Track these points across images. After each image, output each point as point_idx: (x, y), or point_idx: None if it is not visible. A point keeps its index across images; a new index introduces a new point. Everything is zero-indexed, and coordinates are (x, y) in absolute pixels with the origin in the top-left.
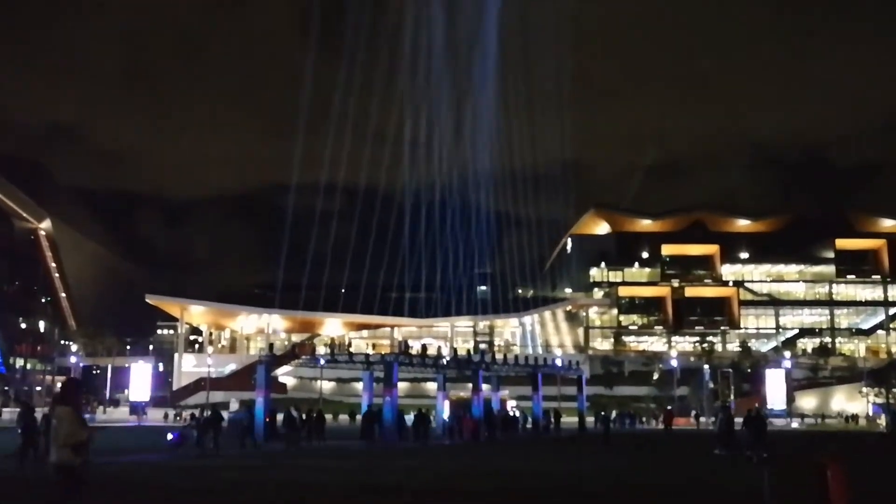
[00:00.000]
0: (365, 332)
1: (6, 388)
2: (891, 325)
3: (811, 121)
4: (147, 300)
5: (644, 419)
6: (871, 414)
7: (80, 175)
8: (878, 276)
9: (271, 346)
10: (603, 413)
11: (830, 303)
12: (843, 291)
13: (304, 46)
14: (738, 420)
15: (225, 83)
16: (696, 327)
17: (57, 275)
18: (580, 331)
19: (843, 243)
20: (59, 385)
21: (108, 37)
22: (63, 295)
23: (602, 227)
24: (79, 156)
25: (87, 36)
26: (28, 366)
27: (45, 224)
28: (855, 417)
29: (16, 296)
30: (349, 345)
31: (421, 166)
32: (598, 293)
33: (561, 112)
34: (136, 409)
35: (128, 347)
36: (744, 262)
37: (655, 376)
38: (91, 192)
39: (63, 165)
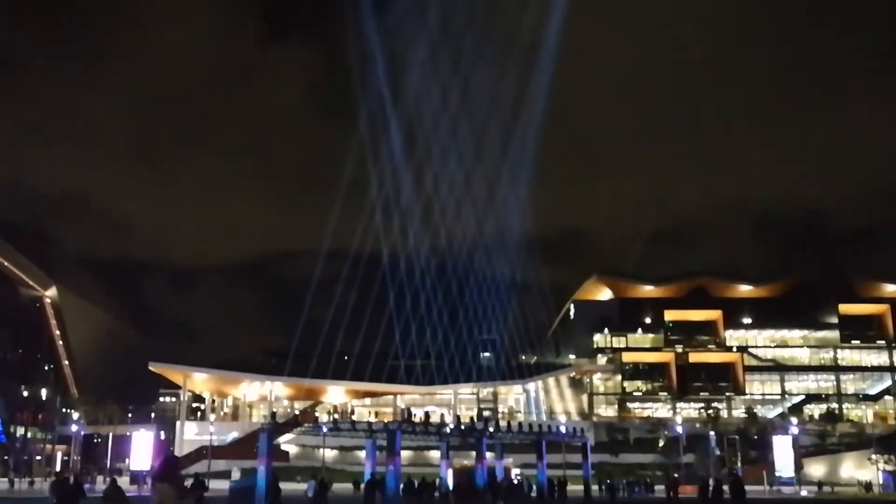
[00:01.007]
0: (368, 400)
1: (6, 457)
2: None
3: (812, 186)
4: (150, 367)
5: (652, 485)
6: (882, 481)
7: (88, 242)
8: (883, 342)
9: (273, 413)
10: (609, 481)
11: (836, 368)
12: (848, 357)
13: (314, 120)
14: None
15: (233, 154)
16: (701, 393)
17: (61, 342)
18: (584, 397)
19: (846, 308)
20: (157, 462)
21: (120, 108)
22: (66, 362)
23: (604, 293)
24: (87, 223)
25: (100, 107)
26: (28, 434)
27: (51, 291)
28: (869, 485)
29: (19, 363)
30: (352, 412)
31: (425, 233)
32: (601, 359)
33: (564, 180)
34: (138, 478)
35: (129, 415)
36: (747, 327)
37: (661, 443)
38: (98, 260)
39: (71, 233)
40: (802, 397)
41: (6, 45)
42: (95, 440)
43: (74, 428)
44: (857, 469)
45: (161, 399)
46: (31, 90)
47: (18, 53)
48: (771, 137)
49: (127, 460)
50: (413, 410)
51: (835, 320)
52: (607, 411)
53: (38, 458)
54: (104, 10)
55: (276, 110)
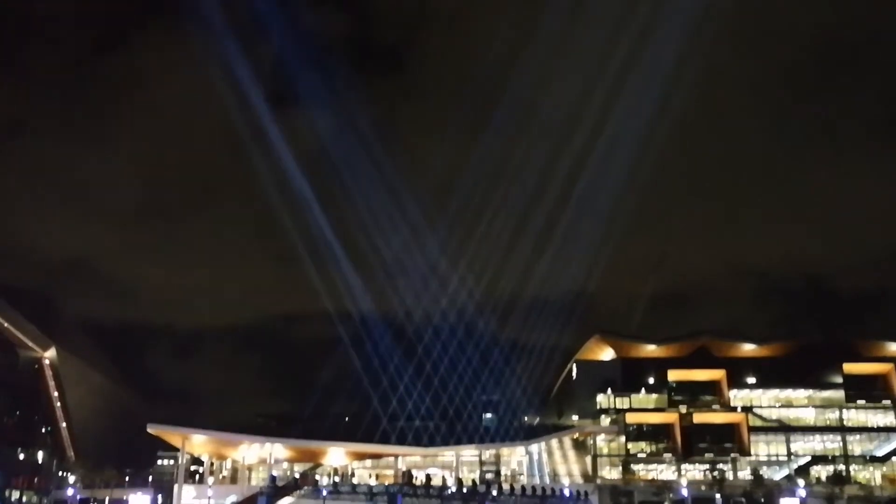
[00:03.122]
0: (369, 462)
1: None
2: None
3: (813, 250)
4: (149, 429)
5: None
6: None
7: (89, 305)
8: (889, 401)
9: (273, 476)
10: None
11: (842, 429)
12: (854, 417)
13: (315, 185)
14: None
15: (234, 220)
16: (706, 454)
17: (59, 404)
18: (588, 459)
19: (850, 368)
20: None
21: (123, 173)
22: (63, 425)
23: (607, 353)
24: (89, 286)
25: (103, 172)
26: (24, 499)
27: (50, 353)
28: None
29: (15, 426)
30: (352, 475)
31: (425, 294)
32: (605, 420)
33: (564, 242)
34: None
35: (127, 479)
36: (751, 387)
37: None
38: (98, 323)
39: (72, 296)
40: (809, 458)
41: (12, 109)
42: None
43: (70, 492)
44: None
45: (159, 462)
46: (35, 153)
47: (23, 117)
48: (772, 202)
49: None
50: (414, 472)
51: (839, 380)
52: (611, 473)
53: None
54: (109, 76)
55: (280, 175)
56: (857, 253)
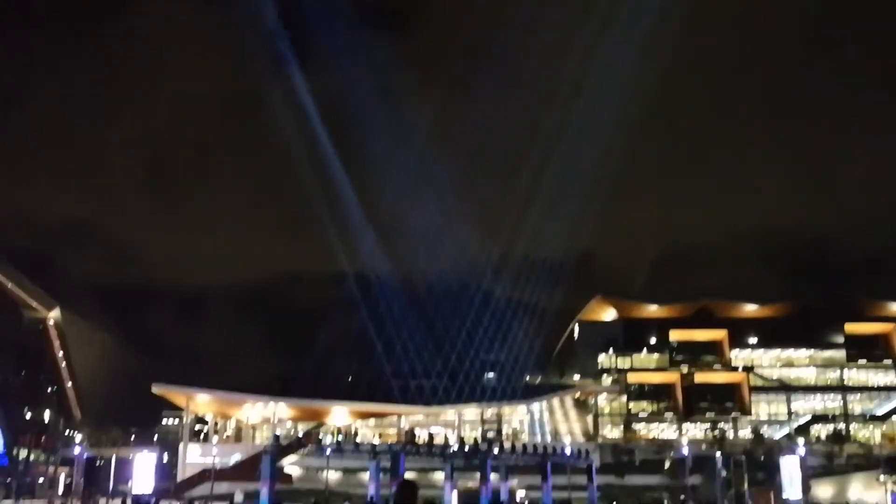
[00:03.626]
0: (372, 421)
1: (9, 479)
2: None
3: (818, 212)
4: (153, 389)
5: None
6: (890, 503)
7: (93, 267)
8: (890, 360)
9: (277, 436)
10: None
11: (843, 388)
12: (854, 377)
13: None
14: None
15: (238, 180)
16: (707, 414)
17: (64, 365)
18: (589, 418)
19: (852, 328)
20: (394, 487)
21: (127, 136)
22: (69, 385)
23: (609, 314)
24: (93, 248)
25: (107, 135)
26: (31, 457)
27: (54, 313)
28: None
29: (22, 386)
30: (355, 434)
31: (429, 254)
32: (606, 380)
33: (570, 202)
34: (140, 501)
35: (132, 438)
36: (753, 347)
37: (667, 465)
38: (102, 284)
39: (76, 257)
40: (809, 418)
41: (15, 75)
42: (98, 463)
43: (77, 450)
44: (866, 490)
45: (164, 421)
46: (39, 117)
47: (27, 83)
48: (778, 165)
49: (130, 483)
50: (417, 431)
51: (841, 340)
52: (612, 432)
53: (41, 480)
54: (112, 42)
55: (283, 137)
56: (861, 214)
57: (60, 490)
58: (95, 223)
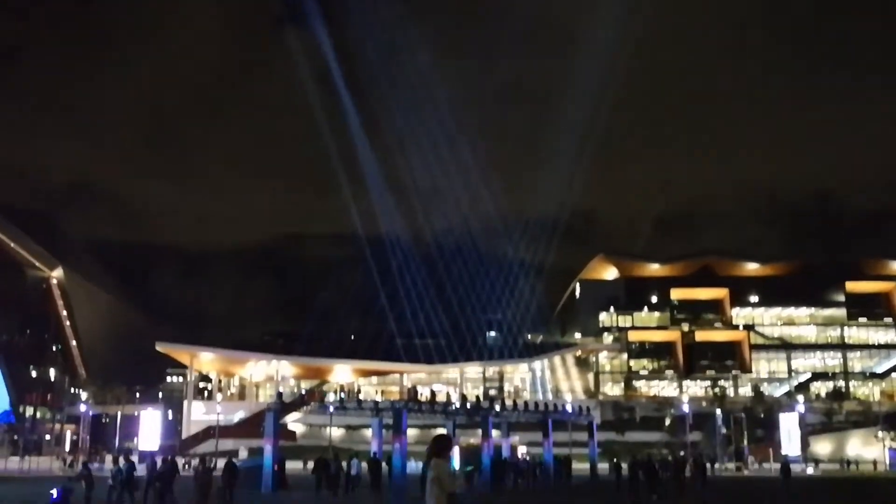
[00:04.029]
0: (374, 379)
1: (16, 437)
2: None
3: (821, 169)
4: (157, 347)
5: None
6: (888, 459)
7: (94, 227)
8: (890, 319)
9: (280, 393)
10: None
11: (843, 346)
12: (855, 335)
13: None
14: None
15: (244, 141)
16: (708, 371)
17: (68, 324)
18: (590, 376)
19: (853, 286)
20: (431, 439)
21: (129, 95)
22: (73, 343)
23: (611, 273)
24: (95, 208)
25: (108, 94)
26: (38, 415)
27: (57, 273)
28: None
29: (26, 345)
30: (358, 392)
31: (431, 213)
32: (607, 338)
33: (573, 161)
34: (146, 458)
35: (137, 396)
36: (754, 305)
37: (667, 422)
38: (105, 244)
39: (78, 217)
40: (809, 375)
41: (13, 35)
42: (104, 420)
43: (83, 408)
44: (864, 447)
45: (168, 379)
46: (40, 77)
47: (27, 42)
48: (783, 124)
49: (135, 440)
50: (419, 389)
51: (842, 298)
52: (613, 390)
53: (48, 437)
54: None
55: (285, 96)
56: (866, 172)
57: (67, 447)
58: (98, 182)
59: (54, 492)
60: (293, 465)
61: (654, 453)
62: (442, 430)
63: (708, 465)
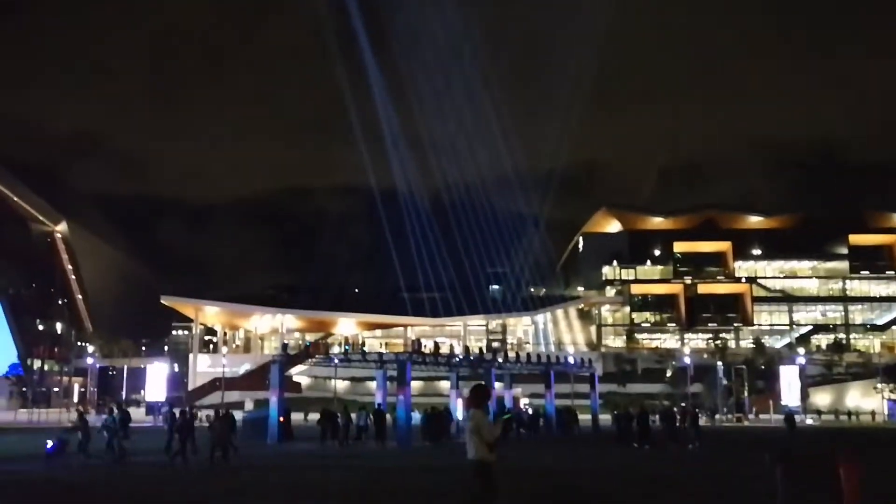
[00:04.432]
0: (378, 332)
1: (24, 389)
2: None
3: (830, 121)
4: (162, 301)
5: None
6: (886, 410)
7: (99, 180)
8: (893, 272)
9: (285, 345)
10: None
11: (844, 299)
12: (857, 287)
13: (323, 56)
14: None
15: (247, 92)
16: (709, 324)
17: (73, 277)
18: (593, 329)
19: (856, 239)
20: (467, 391)
21: (133, 47)
22: (79, 297)
23: (614, 226)
24: (98, 161)
25: (111, 45)
26: (45, 367)
27: (61, 227)
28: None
29: (32, 298)
30: (362, 344)
31: (435, 167)
32: (610, 291)
33: (577, 113)
34: (153, 409)
35: (143, 349)
36: (756, 258)
37: (668, 374)
38: (109, 197)
39: (82, 170)
40: (810, 328)
41: None
42: (111, 373)
43: (90, 361)
44: (863, 398)
45: (174, 332)
46: (42, 28)
47: None
48: (788, 71)
49: (142, 392)
50: (423, 342)
51: (845, 251)
52: (615, 342)
53: (56, 390)
54: None
55: (288, 47)
56: (872, 124)
57: (75, 399)
58: (98, 135)
59: (49, 443)
60: (297, 417)
61: (656, 404)
62: (445, 382)
63: (708, 415)
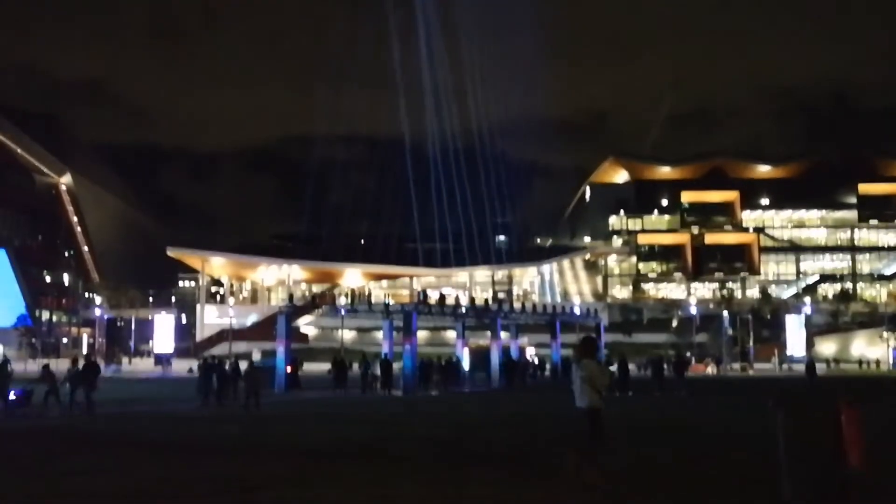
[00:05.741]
0: (384, 283)
1: (33, 339)
2: None
3: (838, 66)
4: (168, 252)
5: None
6: (891, 358)
7: (102, 130)
8: None
9: (291, 296)
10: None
11: (852, 248)
12: (865, 237)
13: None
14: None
15: (248, 38)
16: (716, 274)
17: (79, 228)
18: (599, 279)
19: (865, 188)
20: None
21: None
22: (85, 248)
23: (621, 175)
24: (101, 110)
25: None
26: (53, 318)
27: (66, 178)
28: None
29: (39, 249)
30: (369, 295)
31: (441, 115)
32: (617, 241)
33: (584, 61)
34: (161, 360)
35: (150, 300)
36: (764, 208)
37: (674, 323)
38: (112, 147)
39: (85, 119)
40: (817, 277)
41: None
42: (119, 324)
43: (98, 312)
44: (868, 347)
45: (181, 283)
46: None
47: None
48: (798, 15)
49: (150, 342)
50: (429, 292)
51: (853, 200)
52: (621, 292)
53: (65, 340)
54: None
55: None
56: (884, 70)
57: (84, 349)
58: (101, 83)
59: (12, 394)
60: (310, 367)
61: (661, 354)
62: (451, 332)
63: (714, 364)
